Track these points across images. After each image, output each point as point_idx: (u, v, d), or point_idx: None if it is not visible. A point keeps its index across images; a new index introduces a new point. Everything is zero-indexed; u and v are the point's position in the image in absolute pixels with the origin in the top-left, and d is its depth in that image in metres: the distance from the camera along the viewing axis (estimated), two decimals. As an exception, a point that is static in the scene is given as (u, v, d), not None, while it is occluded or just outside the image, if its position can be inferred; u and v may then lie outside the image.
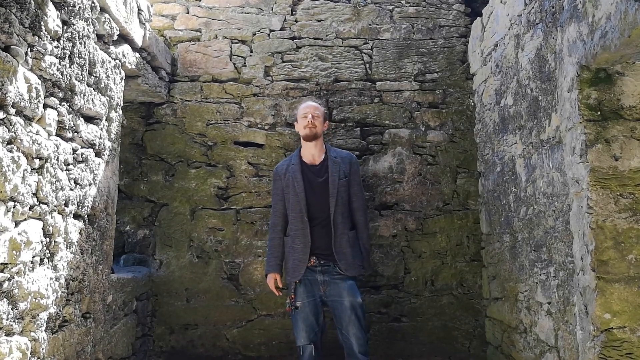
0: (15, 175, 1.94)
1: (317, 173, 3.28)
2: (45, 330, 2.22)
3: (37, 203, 2.13)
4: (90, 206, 2.68)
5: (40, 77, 2.13)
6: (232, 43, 4.24)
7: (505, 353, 3.42)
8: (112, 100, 2.94)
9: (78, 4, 2.45)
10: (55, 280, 2.31)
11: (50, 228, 2.25)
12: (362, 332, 3.09)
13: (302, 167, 3.28)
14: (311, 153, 3.32)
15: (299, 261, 3.15)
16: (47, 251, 2.24)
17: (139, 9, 3.31)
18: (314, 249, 3.15)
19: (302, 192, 3.21)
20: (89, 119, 2.68)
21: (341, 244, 3.17)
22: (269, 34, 4.26)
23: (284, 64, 4.22)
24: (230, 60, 4.21)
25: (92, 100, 2.65)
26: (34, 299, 2.11)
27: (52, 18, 2.20)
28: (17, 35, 1.93)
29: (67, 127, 2.38)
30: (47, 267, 2.24)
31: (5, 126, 1.88)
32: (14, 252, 1.95)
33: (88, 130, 2.63)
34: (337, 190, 3.21)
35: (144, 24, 3.40)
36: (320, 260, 3.15)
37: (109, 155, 2.93)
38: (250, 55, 4.22)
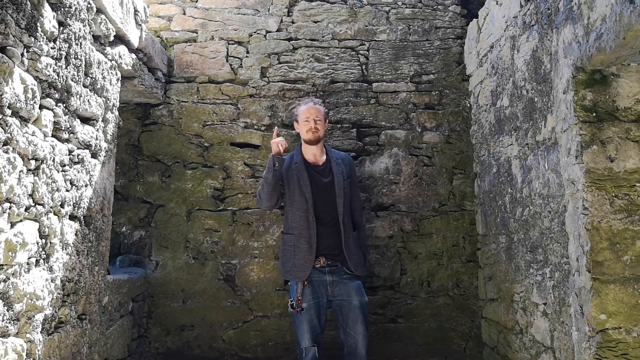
0: (11, 177, 1.93)
1: (322, 173, 3.28)
2: (41, 332, 2.21)
3: (33, 204, 2.13)
4: (86, 207, 2.68)
5: (36, 78, 2.13)
6: (229, 44, 4.24)
7: (501, 354, 3.43)
8: (108, 101, 2.94)
9: (74, 5, 2.45)
10: (51, 282, 2.30)
11: (46, 229, 2.24)
12: (367, 332, 3.12)
13: (306, 167, 3.27)
14: (313, 153, 3.32)
15: (304, 261, 3.13)
16: (43, 252, 2.23)
17: (135, 10, 3.31)
18: (321, 250, 3.14)
19: (310, 192, 3.20)
20: (85, 120, 2.68)
21: (349, 244, 3.18)
22: (265, 35, 4.26)
23: (280, 65, 4.22)
24: (227, 61, 4.21)
25: (88, 101, 2.64)
26: (29, 301, 2.10)
27: (48, 19, 2.19)
28: (13, 36, 1.93)
29: (63, 128, 2.38)
30: (43, 269, 2.24)
31: (1, 127, 1.87)
32: (10, 253, 1.94)
33: (84, 131, 2.63)
34: (343, 191, 3.23)
35: (140, 25, 3.40)
36: (328, 261, 3.14)
37: (105, 156, 2.92)
38: (247, 57, 4.22)
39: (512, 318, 3.22)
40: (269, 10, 4.31)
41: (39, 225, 2.19)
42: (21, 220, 2.04)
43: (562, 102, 2.44)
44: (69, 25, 2.41)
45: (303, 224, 3.18)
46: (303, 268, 3.12)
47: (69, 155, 2.46)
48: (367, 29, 4.33)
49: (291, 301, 3.10)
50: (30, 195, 2.11)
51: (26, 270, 2.09)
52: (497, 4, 3.45)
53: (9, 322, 1.96)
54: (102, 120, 2.87)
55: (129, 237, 3.97)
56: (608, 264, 2.22)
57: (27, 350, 2.09)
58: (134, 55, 3.38)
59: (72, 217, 2.53)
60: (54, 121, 2.30)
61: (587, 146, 2.29)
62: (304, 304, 3.07)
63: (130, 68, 3.31)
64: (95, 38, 2.78)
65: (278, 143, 3.21)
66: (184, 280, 3.90)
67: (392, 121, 4.17)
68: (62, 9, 2.34)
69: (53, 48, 2.25)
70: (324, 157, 3.33)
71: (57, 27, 2.28)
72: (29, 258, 2.11)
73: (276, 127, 3.40)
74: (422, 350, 3.90)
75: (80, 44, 2.54)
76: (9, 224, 1.95)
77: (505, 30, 3.31)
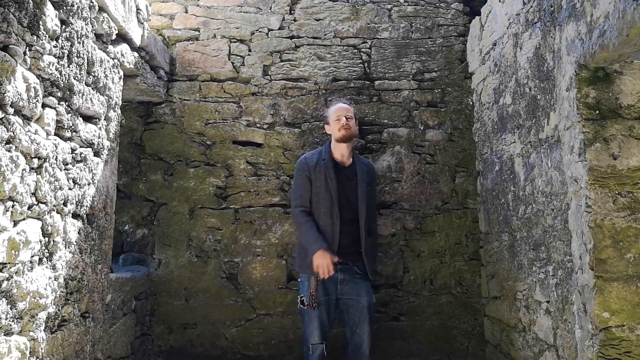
0: (14, 175, 1.93)
1: (348, 175, 3.28)
2: (44, 330, 2.22)
3: (36, 202, 2.13)
4: (89, 206, 2.68)
5: (38, 76, 2.13)
6: (231, 42, 4.24)
7: (504, 352, 3.42)
8: (110, 100, 2.94)
9: (76, 4, 2.45)
10: (54, 280, 2.31)
11: (49, 227, 2.25)
12: (372, 331, 3.13)
13: (334, 165, 3.26)
14: (342, 153, 3.31)
15: None
16: (46, 251, 2.24)
17: (138, 8, 3.31)
18: (339, 248, 3.12)
19: (336, 190, 3.18)
20: (88, 119, 2.68)
21: (367, 249, 3.18)
22: (267, 33, 4.26)
23: (282, 63, 4.22)
24: (229, 59, 4.21)
25: (90, 99, 2.64)
26: (32, 299, 2.11)
27: (51, 17, 2.19)
28: (16, 34, 1.93)
29: (65, 127, 2.38)
30: (46, 267, 2.24)
31: (4, 126, 1.88)
32: (13, 251, 1.94)
33: (87, 130, 2.63)
34: (365, 195, 3.24)
35: (142, 23, 3.40)
36: (340, 259, 3.11)
37: (107, 155, 2.92)
38: (249, 55, 4.22)
39: (515, 316, 3.22)
40: (271, 8, 4.31)
41: (42, 224, 2.19)
42: (24, 219, 2.04)
43: (565, 100, 2.44)
44: (71, 24, 2.41)
45: (327, 221, 3.16)
46: None
47: (71, 153, 2.46)
48: (369, 27, 4.32)
49: (301, 297, 3.07)
50: (33, 194, 2.11)
51: (29, 268, 2.09)
52: (499, 1, 3.44)
53: (13, 321, 1.96)
54: (105, 119, 2.88)
55: (131, 236, 3.98)
56: (611, 261, 2.21)
57: (30, 348, 2.10)
58: (136, 54, 3.38)
59: (75, 216, 2.54)
60: (57, 120, 2.30)
61: (590, 144, 2.28)
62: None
63: (133, 66, 3.31)
64: (98, 36, 2.78)
65: (328, 272, 3.01)
66: (187, 279, 3.90)
67: (395, 119, 4.16)
68: (65, 8, 2.34)
69: (55, 46, 2.26)
70: (351, 160, 3.34)
71: (59, 25, 2.28)
72: (32, 256, 2.11)
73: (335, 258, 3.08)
74: (424, 348, 3.90)
75: (83, 42, 2.54)
76: (12, 223, 1.95)
77: (507, 28, 3.30)
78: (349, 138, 3.28)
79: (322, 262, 2.99)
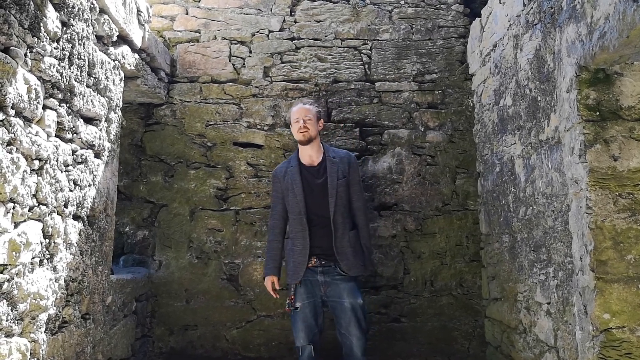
0: (14, 177, 1.94)
1: (316, 174, 3.26)
2: (44, 332, 2.22)
3: (37, 204, 2.13)
4: (89, 207, 2.68)
5: (39, 78, 2.13)
6: (231, 44, 4.25)
7: (505, 353, 3.42)
8: (111, 101, 2.94)
9: (77, 5, 2.45)
10: (55, 282, 2.31)
11: (50, 229, 2.25)
12: (362, 333, 3.08)
13: (300, 169, 3.26)
14: (308, 154, 3.29)
15: (298, 263, 3.14)
16: (47, 252, 2.24)
17: (138, 10, 3.32)
18: (314, 250, 3.14)
19: (301, 194, 3.19)
20: (89, 120, 2.68)
21: (342, 244, 3.14)
22: (268, 35, 4.27)
23: (283, 65, 4.22)
24: (230, 61, 4.21)
25: (91, 101, 2.65)
26: (33, 300, 2.11)
27: (52, 19, 2.20)
28: (17, 36, 1.93)
29: (66, 128, 2.38)
30: (47, 268, 2.24)
31: (5, 127, 1.88)
32: (14, 253, 1.95)
33: (87, 132, 2.63)
34: (336, 190, 3.19)
35: (143, 25, 3.40)
36: (322, 261, 3.13)
37: (108, 156, 2.93)
38: (250, 56, 4.23)
39: (515, 317, 3.22)
40: (271, 10, 4.32)
41: (43, 225, 2.19)
42: (25, 220, 2.05)
43: (566, 101, 2.44)
44: (72, 26, 2.42)
45: (298, 227, 3.19)
46: (297, 270, 3.13)
47: (72, 155, 2.47)
48: (369, 29, 4.33)
49: (287, 301, 3.15)
50: (34, 195, 2.11)
51: (30, 270, 2.09)
52: (500, 2, 3.44)
53: (13, 322, 1.97)
54: (106, 120, 2.88)
55: (132, 237, 3.98)
56: (612, 263, 2.21)
57: (31, 350, 2.10)
58: (137, 55, 3.38)
59: (76, 217, 2.54)
60: (58, 121, 2.31)
61: (591, 145, 2.28)
62: (298, 303, 3.09)
63: (133, 68, 3.32)
64: (99, 38, 2.79)
65: (273, 295, 3.29)
66: (188, 280, 3.90)
67: (395, 120, 4.17)
68: (65, 9, 2.34)
69: (56, 48, 2.26)
70: (321, 158, 3.30)
71: (60, 27, 2.29)
72: (33, 258, 2.12)
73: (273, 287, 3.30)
74: (425, 349, 3.89)
75: (84, 44, 2.54)
76: (13, 224, 1.96)
77: (508, 29, 3.30)
78: (307, 141, 3.24)
79: (267, 289, 3.26)
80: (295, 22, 4.31)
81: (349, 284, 3.13)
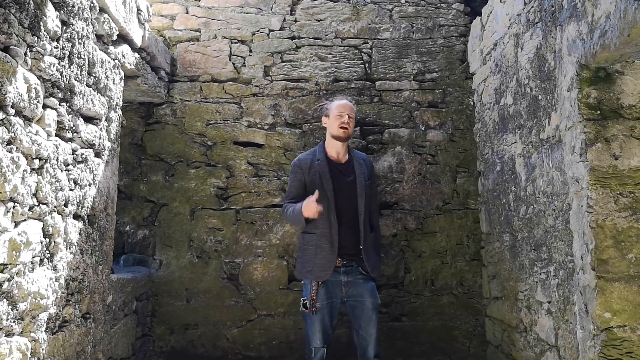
0: (14, 176, 1.93)
1: (344, 172, 3.19)
2: (45, 331, 2.22)
3: (37, 203, 2.13)
4: (90, 206, 2.68)
5: (39, 77, 2.13)
6: (232, 43, 4.24)
7: (506, 352, 3.42)
8: (111, 101, 2.94)
9: (77, 4, 2.45)
10: (55, 281, 2.31)
11: (50, 228, 2.25)
12: (378, 334, 3.07)
13: (329, 164, 3.18)
14: (337, 151, 3.22)
15: (327, 261, 3.03)
16: (47, 252, 2.24)
17: (138, 9, 3.31)
18: (341, 249, 3.06)
19: (332, 191, 3.10)
20: (89, 119, 2.68)
21: (367, 245, 3.10)
22: (268, 34, 4.26)
23: (283, 64, 4.22)
24: (230, 60, 4.21)
25: (91, 100, 2.65)
26: (33, 300, 2.11)
27: (52, 18, 2.20)
28: (17, 35, 1.93)
29: (66, 128, 2.38)
30: (47, 268, 2.24)
31: (5, 127, 1.88)
32: (14, 252, 1.95)
33: (87, 131, 2.63)
34: (364, 191, 3.16)
35: (143, 24, 3.40)
36: (343, 261, 3.07)
37: (108, 156, 2.92)
38: (250, 55, 4.22)
39: (516, 316, 3.22)
40: (271, 9, 4.31)
41: (43, 225, 2.19)
42: (25, 220, 2.05)
43: (566, 100, 2.43)
44: (72, 25, 2.41)
45: (325, 223, 3.07)
46: (325, 267, 3.02)
47: (72, 154, 2.47)
48: (370, 27, 4.32)
49: (304, 300, 3.02)
50: (34, 195, 2.11)
51: (30, 269, 2.09)
52: (500, 1, 3.44)
53: (14, 321, 1.97)
54: (106, 120, 2.88)
55: (132, 236, 3.98)
56: (613, 262, 2.21)
57: (31, 349, 2.10)
58: (137, 55, 3.38)
59: (76, 217, 2.54)
60: (58, 120, 2.31)
61: (592, 144, 2.28)
62: (318, 304, 2.99)
63: (134, 67, 3.31)
64: (99, 37, 2.79)
65: (316, 211, 2.94)
66: (188, 279, 3.90)
67: (396, 119, 4.16)
68: (65, 8, 2.34)
69: (56, 47, 2.26)
70: (347, 156, 3.26)
71: (60, 26, 2.29)
72: (33, 257, 2.11)
73: (317, 191, 3.00)
74: (426, 348, 3.89)
75: (84, 43, 2.54)
76: (13, 224, 1.95)
77: (508, 28, 3.30)
78: (346, 138, 3.20)
79: (310, 207, 2.93)
80: (296, 21, 4.30)
81: (370, 284, 3.10)
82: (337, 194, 3.12)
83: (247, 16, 4.29)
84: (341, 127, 3.15)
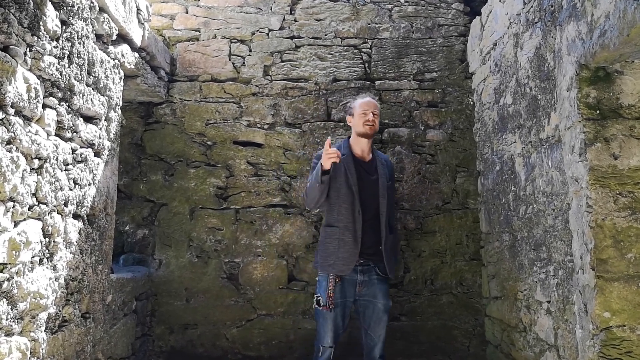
0: (14, 176, 1.93)
1: (368, 170, 3.20)
2: (44, 331, 2.22)
3: (37, 203, 2.13)
4: (89, 206, 2.68)
5: (39, 77, 2.13)
6: (231, 42, 4.24)
7: (505, 352, 3.42)
8: (111, 100, 2.94)
9: (77, 4, 2.45)
10: (55, 280, 2.31)
11: (50, 228, 2.25)
12: (385, 335, 3.06)
13: (354, 161, 3.18)
14: (362, 148, 3.22)
15: (350, 254, 3.00)
16: (47, 251, 2.24)
17: (138, 9, 3.31)
18: (363, 245, 3.03)
19: (356, 186, 3.09)
20: (88, 119, 2.68)
21: (387, 246, 3.09)
22: (268, 34, 4.26)
23: (283, 64, 4.22)
24: (229, 59, 4.21)
25: (91, 100, 2.65)
26: (33, 299, 2.11)
27: (51, 18, 2.20)
28: (16, 35, 1.93)
29: (66, 127, 2.38)
30: (47, 267, 2.24)
31: (5, 126, 1.88)
32: (14, 252, 1.95)
33: (87, 130, 2.63)
34: (386, 191, 3.16)
35: (142, 23, 3.40)
36: (361, 260, 3.04)
37: (108, 155, 2.92)
38: (250, 55, 4.22)
39: (515, 316, 3.22)
40: (271, 9, 4.31)
41: (43, 224, 2.19)
42: (25, 219, 2.05)
43: (566, 100, 2.43)
44: (72, 24, 2.41)
45: (349, 217, 3.05)
46: (348, 262, 2.99)
47: (72, 154, 2.47)
48: (369, 27, 4.32)
49: (317, 297, 2.97)
50: (34, 194, 2.11)
51: (30, 269, 2.09)
52: (500, 1, 3.44)
53: (13, 321, 1.97)
54: (105, 119, 2.88)
55: (132, 236, 3.98)
56: (612, 261, 2.21)
57: (31, 349, 2.10)
58: (136, 54, 3.38)
59: (76, 216, 2.54)
60: (57, 120, 2.31)
61: (591, 144, 2.28)
62: (336, 301, 2.96)
63: (133, 67, 3.31)
64: (98, 37, 2.79)
65: (333, 157, 2.89)
66: (188, 279, 3.90)
67: (395, 119, 4.16)
68: (65, 8, 2.34)
69: (56, 47, 2.26)
70: (371, 155, 3.26)
71: (59, 26, 2.29)
72: (33, 257, 2.12)
73: (329, 138, 2.98)
74: (425, 348, 3.90)
75: (83, 42, 2.54)
76: (13, 223, 1.96)
77: (508, 28, 3.30)
78: (372, 135, 3.21)
79: (328, 153, 2.89)
80: (295, 20, 4.31)
81: (384, 285, 3.09)
82: (361, 190, 3.11)
83: (246, 16, 4.29)
84: (367, 124, 3.16)
